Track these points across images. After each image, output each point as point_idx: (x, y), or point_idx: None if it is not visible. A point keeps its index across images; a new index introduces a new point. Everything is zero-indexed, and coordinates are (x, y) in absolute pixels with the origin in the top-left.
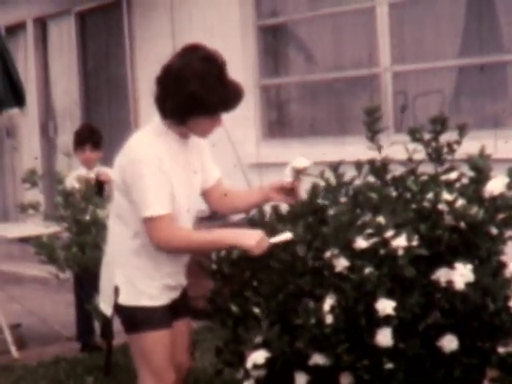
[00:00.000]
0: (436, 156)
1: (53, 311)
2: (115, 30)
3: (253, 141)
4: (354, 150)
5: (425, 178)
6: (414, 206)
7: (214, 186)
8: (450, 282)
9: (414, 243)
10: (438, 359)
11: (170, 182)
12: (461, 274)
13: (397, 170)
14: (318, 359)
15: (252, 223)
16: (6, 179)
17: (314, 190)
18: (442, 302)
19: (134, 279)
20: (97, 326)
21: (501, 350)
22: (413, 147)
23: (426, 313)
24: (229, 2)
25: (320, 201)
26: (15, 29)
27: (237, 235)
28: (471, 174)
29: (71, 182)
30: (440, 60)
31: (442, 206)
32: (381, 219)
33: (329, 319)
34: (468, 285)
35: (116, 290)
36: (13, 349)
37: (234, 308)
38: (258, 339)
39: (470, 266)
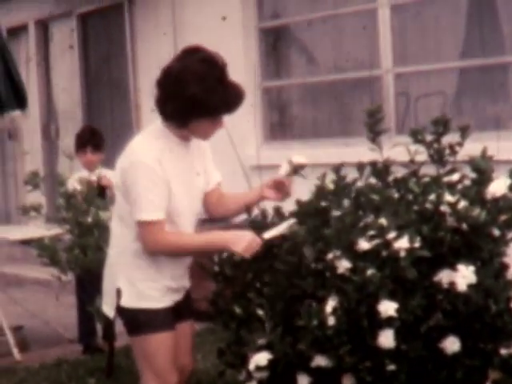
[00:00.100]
0: (438, 157)
1: (55, 313)
2: (117, 32)
3: (254, 143)
4: (356, 151)
5: (427, 179)
6: (416, 207)
7: (212, 189)
8: (452, 284)
9: (416, 245)
10: (440, 361)
11: (169, 185)
12: (463, 276)
13: (399, 172)
14: (320, 361)
15: (254, 225)
16: (7, 181)
17: (320, 191)
18: (444, 303)
19: (136, 281)
20: (99, 327)
21: (503, 351)
22: (415, 149)
23: (428, 314)
24: (230, 4)
25: (323, 203)
26: (17, 31)
27: (226, 239)
28: (473, 175)
29: (73, 184)
30: (442, 61)
31: (444, 208)
32: (383, 221)
33: (331, 321)
34: (470, 286)
35: (118, 292)
36: (15, 351)
37: (237, 310)
38: (261, 341)
39: (472, 268)
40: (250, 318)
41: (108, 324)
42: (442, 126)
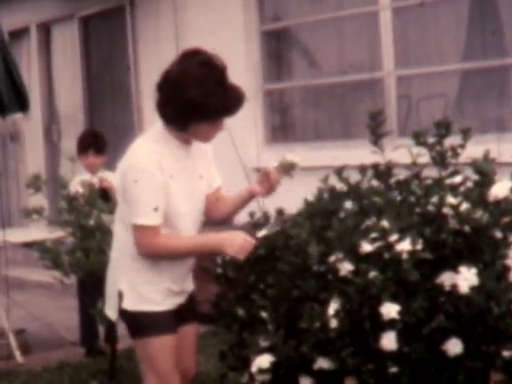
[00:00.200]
0: (440, 160)
1: (57, 316)
2: (119, 35)
3: (256, 145)
4: (358, 154)
5: (429, 181)
6: (418, 209)
7: (212, 193)
8: (454, 286)
9: (419, 247)
10: (443, 363)
11: (169, 189)
12: (465, 278)
13: (401, 174)
14: (322, 363)
15: (257, 227)
16: (9, 184)
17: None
18: (447, 305)
19: (138, 284)
20: (101, 330)
21: (505, 353)
22: (417, 151)
23: (431, 317)
24: (232, 6)
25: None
26: (19, 33)
27: (219, 241)
28: (475, 177)
29: (75, 186)
30: (443, 64)
31: (446, 210)
32: (385, 223)
33: (333, 323)
34: (472, 289)
35: (120, 295)
36: (17, 354)
37: (239, 312)
38: (264, 343)
39: (474, 270)
40: (253, 320)
41: (110, 326)
42: (443, 128)
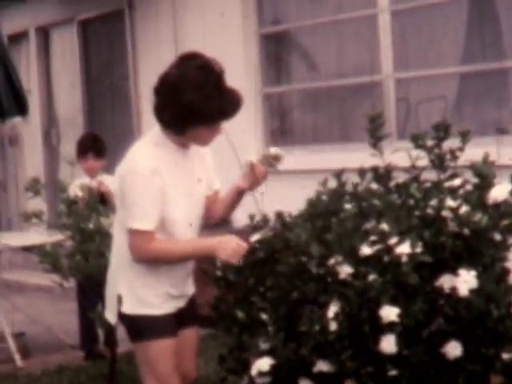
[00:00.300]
0: (439, 162)
1: (56, 319)
2: (118, 39)
3: (255, 148)
4: (357, 157)
5: (428, 184)
6: (417, 212)
7: (209, 196)
8: (453, 289)
9: (418, 250)
10: (442, 366)
11: (166, 193)
12: (464, 281)
13: (400, 177)
14: (322, 366)
15: (256, 230)
16: (9, 188)
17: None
18: (446, 308)
19: (137, 288)
20: (100, 334)
21: (505, 356)
22: (416, 154)
23: (430, 319)
24: (231, 10)
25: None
26: (18, 37)
27: (212, 245)
28: (475, 180)
29: (74, 190)
30: (442, 67)
31: (445, 213)
32: (384, 226)
33: (333, 326)
34: (472, 291)
35: (119, 299)
36: (17, 357)
37: (239, 314)
38: (264, 346)
39: (473, 273)
40: (253, 322)
41: (110, 330)
42: (442, 131)
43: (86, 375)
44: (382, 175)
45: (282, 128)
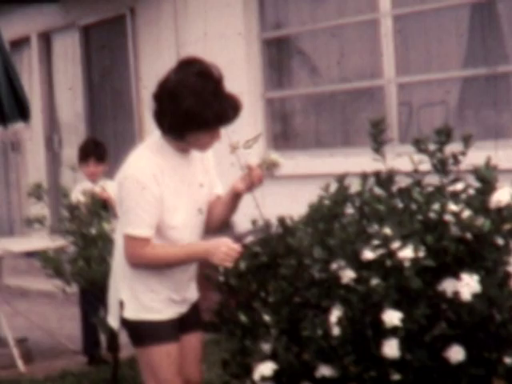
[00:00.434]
0: (441, 167)
1: (59, 325)
2: (119, 44)
3: (257, 153)
4: (359, 161)
5: (430, 189)
6: (420, 217)
7: (211, 201)
8: (456, 293)
9: (421, 254)
10: (445, 370)
11: (165, 199)
12: (467, 285)
13: (402, 182)
14: (324, 371)
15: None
16: (11, 193)
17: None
18: (449, 312)
19: (138, 293)
20: (103, 339)
21: (507, 360)
22: (418, 158)
23: (433, 324)
24: (233, 14)
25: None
26: (20, 43)
27: (205, 250)
28: (477, 184)
29: (76, 195)
30: (444, 71)
31: (448, 217)
32: (387, 230)
33: (335, 331)
34: (474, 296)
35: (121, 304)
36: (19, 363)
37: (242, 317)
38: (266, 349)
39: (476, 277)
40: (256, 326)
41: (112, 335)
42: (444, 135)
43: (88, 380)
44: (384, 180)
45: (283, 132)
